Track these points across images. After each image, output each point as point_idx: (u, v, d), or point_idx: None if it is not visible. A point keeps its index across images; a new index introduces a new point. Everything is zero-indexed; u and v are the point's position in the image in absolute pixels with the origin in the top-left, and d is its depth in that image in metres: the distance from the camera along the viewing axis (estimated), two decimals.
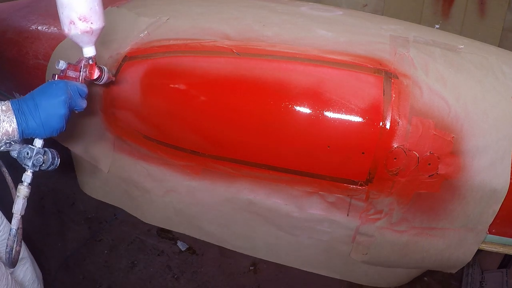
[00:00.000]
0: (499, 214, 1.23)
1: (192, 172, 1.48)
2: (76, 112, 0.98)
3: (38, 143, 0.90)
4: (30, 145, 0.90)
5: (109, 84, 1.44)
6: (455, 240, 1.31)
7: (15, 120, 0.81)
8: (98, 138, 1.60)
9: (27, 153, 0.89)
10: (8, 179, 1.02)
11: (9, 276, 1.09)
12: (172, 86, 1.35)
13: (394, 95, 1.17)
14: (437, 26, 2.41)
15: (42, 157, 0.90)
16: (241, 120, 1.29)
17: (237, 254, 1.73)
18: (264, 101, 1.25)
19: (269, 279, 1.76)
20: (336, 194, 1.33)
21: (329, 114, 1.20)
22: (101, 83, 1.07)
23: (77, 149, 1.70)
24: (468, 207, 1.23)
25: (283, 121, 1.24)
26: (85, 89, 0.98)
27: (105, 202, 1.85)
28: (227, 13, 1.51)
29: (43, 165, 0.92)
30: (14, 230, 0.90)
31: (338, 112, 1.19)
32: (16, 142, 0.86)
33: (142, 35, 1.44)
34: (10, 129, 0.81)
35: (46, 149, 0.92)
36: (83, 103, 0.97)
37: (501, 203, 1.20)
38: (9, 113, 0.81)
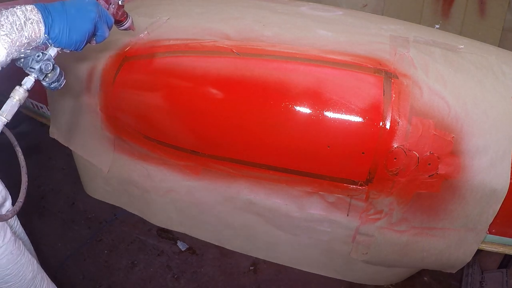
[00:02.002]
0: (499, 214, 1.23)
1: (192, 172, 1.48)
2: (94, 43, 0.94)
3: (52, 51, 0.84)
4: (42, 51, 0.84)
5: (109, 84, 1.44)
6: (455, 240, 1.31)
7: (42, 20, 0.77)
8: (98, 138, 1.60)
9: (38, 56, 0.82)
10: (21, 158, 0.99)
11: (35, 262, 1.08)
12: (172, 86, 1.35)
13: (394, 95, 1.17)
14: (437, 26, 2.40)
15: (51, 64, 0.84)
16: (241, 120, 1.29)
17: (237, 254, 1.73)
18: (264, 101, 1.25)
19: (269, 279, 1.76)
20: (336, 194, 1.33)
21: (329, 114, 1.20)
22: (121, 27, 1.08)
23: (77, 149, 1.71)
24: (468, 207, 1.23)
25: (283, 121, 1.24)
26: (112, 20, 0.98)
27: (105, 202, 1.85)
28: (227, 13, 1.51)
29: (49, 75, 0.85)
30: None
31: (338, 112, 1.19)
32: (32, 48, 0.79)
33: (142, 35, 1.44)
34: (37, 29, 0.76)
35: (56, 65, 0.86)
36: (107, 32, 0.95)
37: (501, 203, 1.20)
38: (35, 12, 0.76)
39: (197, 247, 1.87)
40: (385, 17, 1.92)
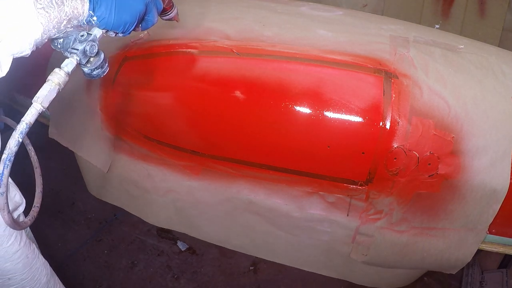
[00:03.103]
0: (499, 214, 1.23)
1: (192, 172, 1.48)
2: (139, 29, 0.84)
3: (98, 32, 0.73)
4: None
5: (109, 84, 1.44)
6: (455, 240, 1.31)
7: None
8: (98, 138, 1.60)
9: (82, 35, 0.71)
10: (34, 158, 0.95)
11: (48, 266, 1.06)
12: (171, 86, 1.35)
13: (394, 95, 1.17)
14: (437, 26, 2.40)
15: (96, 47, 0.73)
16: (241, 120, 1.29)
17: (237, 254, 1.72)
18: (264, 101, 1.25)
19: (269, 279, 1.76)
20: (336, 194, 1.33)
21: (329, 114, 1.20)
22: (165, 17, 1.01)
23: (77, 149, 1.70)
24: (468, 207, 1.23)
25: (283, 121, 1.24)
26: (161, 5, 0.90)
27: (105, 202, 1.85)
28: (227, 13, 1.51)
29: (91, 60, 0.74)
30: (22, 131, 0.65)
31: (338, 112, 1.19)
32: (73, 26, 0.69)
33: (142, 35, 1.44)
34: (80, 5, 0.67)
35: (100, 49, 0.76)
36: (156, 17, 0.86)
37: (501, 203, 1.20)
38: None
39: (197, 247, 1.86)
40: (385, 17, 1.92)
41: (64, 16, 0.64)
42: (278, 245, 1.59)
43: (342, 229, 1.39)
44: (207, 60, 1.32)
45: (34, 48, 0.63)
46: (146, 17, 0.82)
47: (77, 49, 0.70)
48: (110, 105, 1.48)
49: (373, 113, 1.17)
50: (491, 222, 1.25)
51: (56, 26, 0.64)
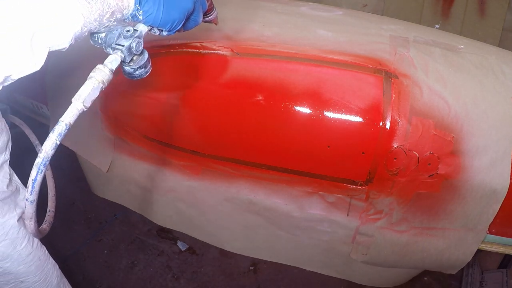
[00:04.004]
0: (499, 214, 1.23)
1: (192, 172, 1.48)
2: (182, 29, 0.79)
3: (144, 28, 0.68)
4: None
5: (109, 84, 1.44)
6: (455, 240, 1.31)
7: None
8: (98, 138, 1.60)
9: (127, 31, 0.65)
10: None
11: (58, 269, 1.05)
12: (171, 86, 1.35)
13: (394, 95, 1.17)
14: (437, 26, 2.40)
15: (142, 44, 0.67)
16: (241, 120, 1.29)
17: (237, 254, 1.73)
18: (264, 101, 1.25)
19: (269, 279, 1.76)
20: (336, 194, 1.33)
21: (329, 114, 1.20)
22: (206, 18, 0.97)
23: (77, 149, 1.71)
24: (468, 207, 1.23)
25: (283, 121, 1.24)
26: (206, 6, 0.87)
27: (105, 202, 1.85)
28: (227, 13, 1.51)
29: (135, 59, 0.68)
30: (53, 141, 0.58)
31: (338, 112, 1.19)
32: (116, 20, 0.63)
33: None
34: None
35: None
36: (200, 18, 0.82)
37: (501, 203, 1.20)
38: None
39: (197, 247, 1.86)
40: (385, 17, 1.92)
41: (107, 9, 0.59)
42: (278, 245, 1.59)
43: (342, 229, 1.39)
44: (207, 60, 1.32)
45: (73, 41, 0.58)
46: (191, 17, 0.78)
47: (123, 45, 0.64)
48: (110, 105, 1.48)
49: (373, 113, 1.17)
50: (491, 222, 1.25)
51: (98, 19, 0.59)
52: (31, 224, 0.69)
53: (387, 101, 1.17)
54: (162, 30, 0.72)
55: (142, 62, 0.69)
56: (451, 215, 1.26)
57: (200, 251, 1.85)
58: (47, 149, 0.58)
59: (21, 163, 0.95)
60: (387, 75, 1.20)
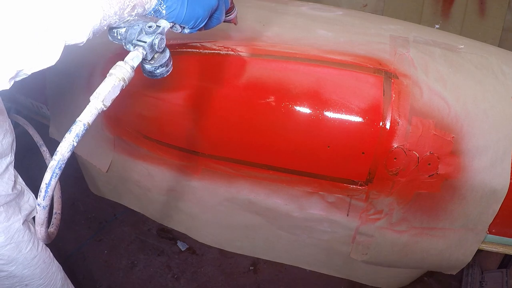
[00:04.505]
0: (499, 214, 1.23)
1: (192, 172, 1.48)
2: (203, 28, 0.75)
3: (166, 25, 0.65)
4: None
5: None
6: (455, 240, 1.31)
7: None
8: (98, 138, 1.60)
9: (150, 27, 0.61)
10: (49, 160, 0.89)
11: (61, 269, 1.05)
12: (171, 85, 1.35)
13: (394, 95, 1.17)
14: (437, 26, 2.40)
15: (164, 41, 0.63)
16: (241, 120, 1.29)
17: (237, 254, 1.73)
18: (264, 101, 1.25)
19: (269, 279, 1.76)
20: (336, 194, 1.33)
21: (329, 114, 1.20)
22: (227, 17, 0.94)
23: (77, 149, 1.70)
24: (468, 207, 1.23)
25: (283, 121, 1.24)
26: (229, 5, 0.84)
27: (105, 202, 1.85)
28: None
29: (157, 56, 0.64)
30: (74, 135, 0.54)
31: (338, 112, 1.19)
32: (137, 15, 0.60)
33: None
34: None
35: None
36: (223, 16, 0.80)
37: (501, 203, 1.20)
38: None
39: (197, 247, 1.86)
40: (385, 17, 1.92)
41: (129, 2, 0.56)
42: (278, 245, 1.58)
43: (342, 229, 1.39)
44: (207, 60, 1.32)
45: (91, 36, 0.54)
46: (214, 14, 0.74)
47: (145, 42, 0.60)
48: (110, 105, 1.48)
49: (373, 113, 1.17)
50: (491, 222, 1.25)
51: (118, 13, 0.55)
52: (42, 230, 0.66)
53: (387, 101, 1.17)
54: (184, 27, 0.69)
55: (164, 61, 0.66)
56: (451, 215, 1.26)
57: (200, 251, 1.85)
58: (63, 151, 0.53)
59: (23, 163, 0.93)
60: (387, 75, 1.20)
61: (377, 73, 1.21)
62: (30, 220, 0.95)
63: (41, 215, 0.59)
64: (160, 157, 1.50)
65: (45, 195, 0.55)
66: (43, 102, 1.96)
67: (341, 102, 1.19)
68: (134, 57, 0.60)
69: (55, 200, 0.91)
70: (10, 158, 0.84)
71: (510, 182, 1.18)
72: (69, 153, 0.53)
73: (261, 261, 1.79)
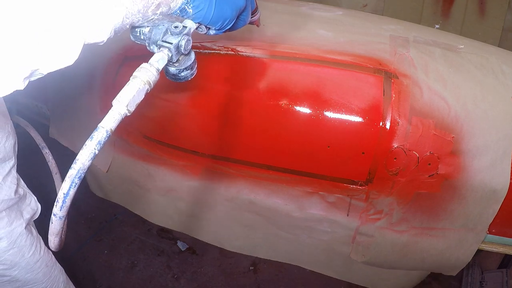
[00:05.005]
0: (499, 214, 1.23)
1: (192, 172, 1.48)
2: (227, 31, 0.71)
3: (192, 25, 0.61)
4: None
5: (110, 84, 1.44)
6: (455, 240, 1.31)
7: None
8: None
9: (176, 27, 0.58)
10: (52, 163, 0.86)
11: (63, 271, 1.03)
12: (172, 86, 1.35)
13: (394, 95, 1.17)
14: (437, 26, 2.40)
15: (191, 43, 0.59)
16: (241, 120, 1.29)
17: (237, 254, 1.72)
18: (264, 101, 1.25)
19: (269, 279, 1.76)
20: (336, 194, 1.33)
21: (329, 114, 1.20)
22: (251, 18, 0.89)
23: (77, 149, 1.70)
24: (468, 207, 1.23)
25: (283, 121, 1.24)
26: (255, 6, 0.81)
27: (105, 202, 1.85)
28: None
29: (182, 58, 0.61)
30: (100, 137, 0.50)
31: (338, 112, 1.19)
32: (161, 15, 0.57)
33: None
34: None
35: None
36: (249, 18, 0.77)
37: (501, 203, 1.20)
38: None
39: (197, 247, 1.86)
40: (385, 17, 1.92)
41: (153, 0, 0.52)
42: (278, 244, 1.58)
43: (342, 229, 1.39)
44: (207, 60, 1.32)
45: (112, 35, 0.51)
46: (240, 16, 0.70)
47: (171, 43, 0.56)
48: (110, 105, 1.48)
49: (373, 113, 1.17)
50: (491, 222, 1.25)
51: (142, 11, 0.51)
52: (56, 239, 0.63)
53: (387, 101, 1.17)
54: (209, 28, 0.66)
55: (189, 63, 0.62)
56: (451, 215, 1.26)
57: (200, 251, 1.85)
58: (83, 160, 0.49)
59: (24, 163, 0.93)
60: (387, 75, 1.20)
61: (377, 73, 1.21)
62: (31, 223, 0.94)
63: (56, 226, 0.56)
64: (160, 157, 1.50)
65: (62, 205, 0.52)
66: (43, 102, 1.96)
67: (341, 102, 1.19)
68: (160, 59, 0.56)
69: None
70: (13, 161, 0.83)
71: (510, 182, 1.18)
72: (90, 161, 0.50)
73: (261, 261, 1.79)
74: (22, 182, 0.88)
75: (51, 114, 1.77)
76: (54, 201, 0.50)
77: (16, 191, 0.84)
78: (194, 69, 0.64)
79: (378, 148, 1.18)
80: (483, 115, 1.17)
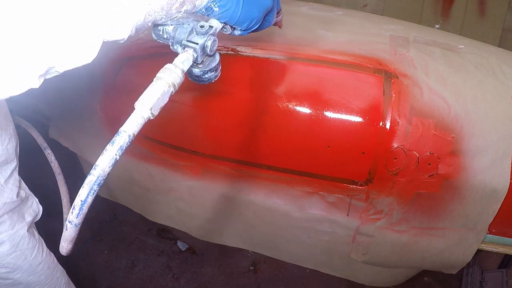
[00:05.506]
0: (499, 214, 1.23)
1: (192, 172, 1.48)
2: (252, 31, 0.69)
3: (217, 25, 0.58)
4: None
5: (110, 84, 1.44)
6: (455, 240, 1.31)
7: None
8: (98, 138, 1.60)
9: (201, 26, 0.55)
10: (55, 164, 0.84)
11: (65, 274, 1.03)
12: None
13: (394, 95, 1.17)
14: (437, 26, 2.40)
15: (216, 44, 0.57)
16: (241, 120, 1.29)
17: (237, 254, 1.72)
18: (264, 101, 1.25)
19: (269, 279, 1.76)
20: (336, 194, 1.33)
21: (329, 114, 1.20)
22: (276, 18, 0.87)
23: (77, 149, 1.71)
24: (468, 207, 1.23)
25: (283, 121, 1.24)
26: (280, 7, 0.79)
27: (105, 202, 1.85)
28: None
29: (206, 60, 0.58)
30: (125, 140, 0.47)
31: (338, 112, 1.19)
32: (186, 12, 0.53)
33: (142, 35, 1.44)
34: None
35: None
36: (274, 19, 0.75)
37: (501, 203, 1.20)
38: None
39: (197, 247, 1.86)
40: (385, 17, 1.92)
41: None
42: (278, 244, 1.59)
43: (342, 229, 1.39)
44: None
45: (133, 32, 0.47)
46: (266, 17, 0.68)
47: (196, 43, 0.53)
48: (111, 105, 1.48)
49: (373, 113, 1.17)
50: (491, 222, 1.25)
51: (166, 8, 0.49)
52: (69, 246, 0.61)
53: (387, 101, 1.17)
54: (234, 29, 0.64)
55: (213, 65, 0.59)
56: (451, 215, 1.26)
57: (200, 251, 1.85)
58: (103, 166, 0.46)
59: (24, 164, 0.93)
60: (387, 75, 1.20)
61: (377, 73, 1.21)
62: (33, 225, 0.94)
63: (71, 233, 0.54)
64: (160, 157, 1.50)
65: (79, 212, 0.49)
66: (43, 102, 1.96)
67: (341, 102, 1.19)
68: (185, 60, 0.53)
69: (63, 205, 0.88)
70: (14, 164, 0.82)
71: (510, 182, 1.18)
72: (111, 167, 0.46)
73: (261, 261, 1.79)
74: (23, 184, 0.88)
75: (52, 114, 1.77)
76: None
77: (18, 194, 0.83)
78: (218, 71, 0.61)
79: (378, 148, 1.18)
80: (483, 115, 1.17)
